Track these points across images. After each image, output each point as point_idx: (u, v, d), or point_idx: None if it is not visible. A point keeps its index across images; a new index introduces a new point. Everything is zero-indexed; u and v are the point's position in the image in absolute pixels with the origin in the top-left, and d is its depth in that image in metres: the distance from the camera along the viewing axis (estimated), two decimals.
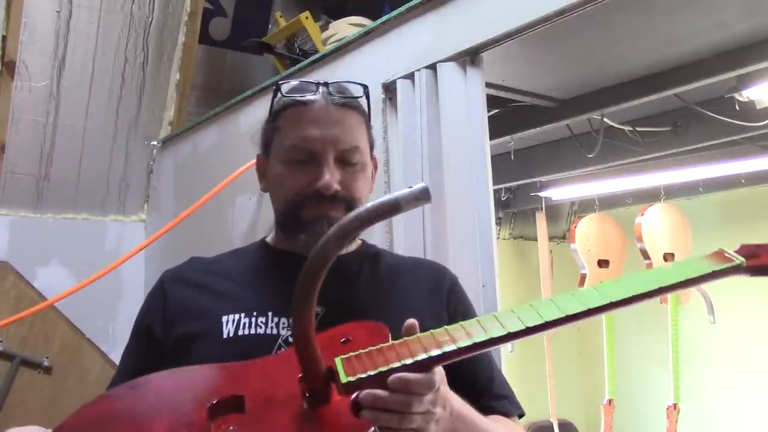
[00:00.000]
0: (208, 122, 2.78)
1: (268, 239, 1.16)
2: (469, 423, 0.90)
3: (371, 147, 1.12)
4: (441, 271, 1.16)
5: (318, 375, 0.79)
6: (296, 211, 1.04)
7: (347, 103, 1.06)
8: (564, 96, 2.17)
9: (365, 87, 1.10)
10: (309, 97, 1.05)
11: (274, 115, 1.10)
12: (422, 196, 0.73)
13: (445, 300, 1.09)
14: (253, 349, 0.97)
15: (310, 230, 1.02)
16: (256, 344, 0.97)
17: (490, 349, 1.10)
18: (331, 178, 1.02)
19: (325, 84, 1.07)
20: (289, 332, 0.98)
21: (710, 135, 2.30)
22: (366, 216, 0.74)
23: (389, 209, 0.73)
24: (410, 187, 0.74)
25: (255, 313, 1.00)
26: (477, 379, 1.06)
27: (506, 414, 1.05)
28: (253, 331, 0.99)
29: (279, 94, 1.09)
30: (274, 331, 0.99)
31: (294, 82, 1.10)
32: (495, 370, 1.11)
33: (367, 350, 0.80)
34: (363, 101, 1.11)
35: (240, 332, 0.99)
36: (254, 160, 1.16)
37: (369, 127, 1.11)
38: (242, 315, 1.00)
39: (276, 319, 1.00)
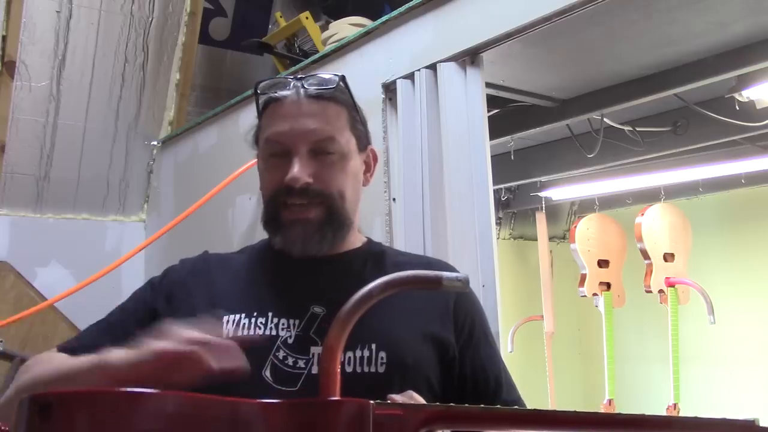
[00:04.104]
0: (208, 122, 2.78)
1: None
2: None
3: (360, 138, 1.10)
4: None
5: None
6: (275, 210, 1.05)
7: (321, 94, 1.05)
8: (564, 96, 2.17)
9: (342, 77, 1.07)
10: (281, 92, 1.05)
11: (259, 113, 1.10)
12: (463, 281, 0.72)
13: (453, 304, 1.07)
14: (251, 350, 0.97)
15: (286, 233, 1.04)
16: (255, 345, 0.97)
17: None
18: (300, 170, 1.01)
19: (300, 78, 1.06)
20: (288, 333, 0.99)
21: (710, 135, 2.30)
22: (408, 278, 0.73)
23: (431, 280, 0.73)
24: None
25: (255, 314, 1.01)
26: (486, 383, 1.04)
27: None
28: (252, 332, 0.99)
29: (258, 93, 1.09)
30: (273, 332, 0.99)
31: (270, 80, 1.10)
32: (503, 373, 1.09)
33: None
34: (345, 92, 1.08)
35: (239, 333, 0.99)
36: (255, 160, 1.16)
37: (354, 118, 1.09)
38: (242, 315, 1.01)
39: (276, 320, 1.00)
